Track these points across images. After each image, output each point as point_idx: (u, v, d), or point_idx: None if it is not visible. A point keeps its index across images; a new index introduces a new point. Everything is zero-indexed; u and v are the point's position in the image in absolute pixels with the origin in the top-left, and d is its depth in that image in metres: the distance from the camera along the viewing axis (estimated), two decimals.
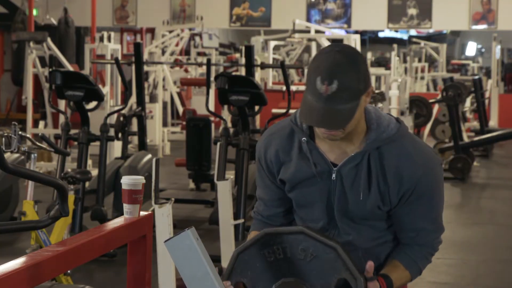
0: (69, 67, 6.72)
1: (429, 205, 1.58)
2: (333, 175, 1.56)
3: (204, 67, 9.83)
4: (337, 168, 1.56)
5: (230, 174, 4.81)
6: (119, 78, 6.87)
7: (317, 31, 8.60)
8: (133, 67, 5.88)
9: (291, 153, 1.59)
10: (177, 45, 10.18)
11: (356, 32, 10.64)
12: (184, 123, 7.58)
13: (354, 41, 7.71)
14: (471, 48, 20.35)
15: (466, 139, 7.76)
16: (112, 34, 7.45)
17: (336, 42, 9.17)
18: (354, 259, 1.48)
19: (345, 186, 1.57)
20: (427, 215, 1.58)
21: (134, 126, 6.65)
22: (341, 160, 1.56)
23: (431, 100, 8.40)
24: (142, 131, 5.42)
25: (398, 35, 19.59)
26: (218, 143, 4.19)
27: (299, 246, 1.47)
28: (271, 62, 8.40)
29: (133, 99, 6.74)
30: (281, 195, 1.65)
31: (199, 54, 12.49)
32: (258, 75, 8.17)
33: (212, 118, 5.86)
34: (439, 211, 1.60)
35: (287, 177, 1.59)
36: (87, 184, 4.45)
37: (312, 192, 1.59)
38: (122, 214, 1.63)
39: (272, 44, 8.76)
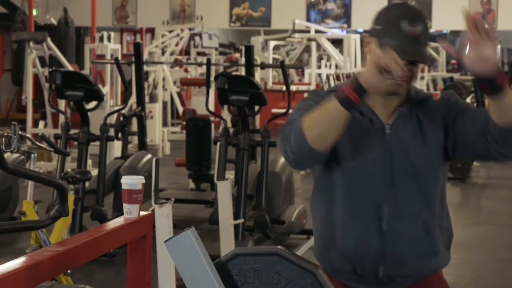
0: (69, 67, 6.72)
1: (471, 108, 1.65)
2: (387, 130, 1.61)
3: (204, 67, 9.80)
4: (390, 122, 1.62)
5: (230, 174, 4.80)
6: (119, 78, 6.86)
7: (317, 31, 8.59)
8: (133, 67, 5.88)
9: None
10: (177, 45, 10.17)
11: (356, 32, 10.63)
12: (184, 123, 7.57)
13: (354, 41, 7.70)
14: None
15: None
16: (112, 34, 7.44)
17: (336, 42, 9.06)
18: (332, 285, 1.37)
19: (403, 137, 1.61)
20: (478, 113, 1.62)
21: (134, 126, 6.64)
22: (390, 117, 1.63)
23: None
24: (142, 131, 5.42)
25: None
26: (218, 143, 4.19)
27: (273, 269, 1.35)
28: (271, 62, 8.39)
29: (133, 99, 6.74)
30: None
31: (199, 54, 12.48)
32: (258, 75, 8.16)
33: (212, 118, 5.85)
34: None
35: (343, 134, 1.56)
36: (87, 184, 4.44)
37: (368, 148, 1.60)
38: (122, 214, 1.63)
39: (272, 44, 8.75)
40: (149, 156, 4.88)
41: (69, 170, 3.56)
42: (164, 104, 9.73)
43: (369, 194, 1.60)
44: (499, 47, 10.42)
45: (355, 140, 1.60)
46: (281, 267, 1.35)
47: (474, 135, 1.58)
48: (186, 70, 10.73)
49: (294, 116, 1.61)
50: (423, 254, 1.64)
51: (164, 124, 9.50)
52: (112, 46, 7.46)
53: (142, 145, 5.39)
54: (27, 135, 3.09)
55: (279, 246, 1.37)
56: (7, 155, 4.19)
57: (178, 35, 10.00)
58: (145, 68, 8.33)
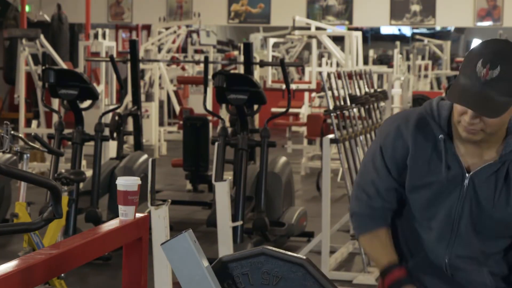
0: (63, 65, 6.68)
1: None
2: (466, 181, 1.49)
3: (202, 65, 9.75)
4: (471, 173, 1.49)
5: (229, 175, 4.76)
6: (114, 76, 6.79)
7: (317, 28, 8.52)
8: (129, 65, 5.82)
9: (423, 149, 1.51)
10: (173, 42, 10.12)
11: (356, 29, 10.57)
12: (181, 122, 7.51)
13: (356, 38, 7.63)
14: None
15: None
16: (107, 31, 7.36)
17: (337, 40, 8.92)
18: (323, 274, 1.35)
19: (479, 195, 1.49)
20: None
21: (130, 126, 6.58)
22: (477, 167, 1.49)
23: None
24: (138, 131, 5.37)
25: (397, 30, 19.57)
26: (216, 143, 4.16)
27: (261, 270, 1.34)
28: (270, 59, 8.32)
29: (128, 98, 6.67)
30: (394, 186, 1.56)
31: (196, 51, 12.42)
32: (257, 73, 8.10)
33: (210, 118, 5.83)
34: None
35: (414, 174, 1.51)
36: (81, 185, 4.45)
37: (438, 196, 1.51)
38: (117, 216, 1.61)
39: (272, 41, 8.69)
40: (145, 156, 4.86)
41: (63, 171, 3.58)
42: (161, 103, 9.67)
43: (433, 228, 1.54)
44: None
45: (429, 181, 1.51)
46: (269, 266, 1.34)
47: None
48: (183, 68, 10.67)
49: (367, 174, 1.58)
50: None
51: (161, 123, 9.46)
52: (107, 44, 7.38)
53: (138, 145, 5.34)
54: (20, 135, 3.07)
55: (264, 247, 1.35)
56: None
57: (175, 32, 9.95)
58: (141, 66, 8.23)
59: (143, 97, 8.29)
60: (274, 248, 1.34)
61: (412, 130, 1.52)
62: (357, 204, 1.59)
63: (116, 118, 4.96)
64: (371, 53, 13.53)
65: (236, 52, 11.35)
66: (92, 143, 4.43)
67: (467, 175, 1.49)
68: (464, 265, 1.54)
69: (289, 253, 1.35)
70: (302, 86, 8.40)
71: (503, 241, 1.55)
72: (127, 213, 1.59)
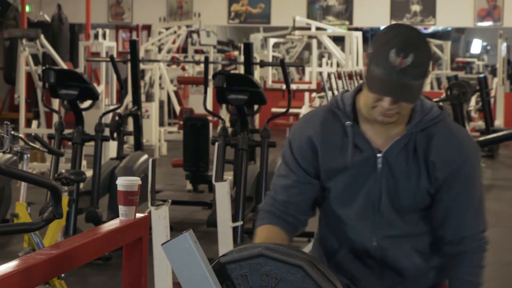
0: (63, 65, 6.67)
1: (472, 194, 1.53)
2: (379, 160, 1.53)
3: (202, 65, 9.74)
4: (382, 153, 1.53)
5: (229, 175, 4.75)
6: (114, 77, 6.78)
7: (318, 28, 8.52)
8: (129, 65, 5.81)
9: (332, 138, 1.56)
10: (174, 42, 10.11)
11: (356, 29, 10.56)
12: (181, 122, 7.50)
13: (356, 38, 7.62)
14: (476, 46, 20.30)
15: None
16: (107, 31, 7.35)
17: (338, 40, 8.95)
18: (326, 273, 1.34)
19: (394, 172, 1.52)
20: (470, 205, 1.53)
21: (130, 126, 6.57)
22: (386, 145, 1.53)
23: (435, 99, 8.19)
24: (138, 131, 5.37)
25: None
26: (216, 143, 4.15)
27: (260, 271, 1.33)
28: (270, 60, 8.32)
29: (128, 98, 6.66)
30: (306, 180, 1.58)
31: (196, 51, 12.41)
32: (257, 73, 8.09)
33: (210, 118, 5.82)
34: (482, 207, 1.55)
35: (326, 164, 1.55)
36: (81, 185, 4.43)
37: (355, 180, 1.54)
38: (117, 216, 1.60)
39: (272, 41, 8.70)
40: (145, 156, 4.85)
41: (63, 171, 3.57)
42: (161, 103, 9.66)
43: (355, 215, 1.56)
44: (504, 44, 10.33)
45: (343, 167, 1.54)
46: (268, 268, 1.32)
47: (448, 213, 1.52)
48: (183, 68, 10.66)
49: (278, 178, 1.62)
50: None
51: (161, 123, 9.45)
52: (107, 44, 7.37)
53: (138, 145, 5.33)
54: (20, 135, 3.07)
55: (263, 247, 1.32)
56: None
57: (175, 32, 9.94)
58: (141, 66, 8.23)
59: (143, 97, 8.28)
60: (274, 246, 1.33)
61: (320, 121, 1.58)
62: (264, 200, 1.63)
63: (116, 118, 4.95)
64: None
65: (236, 52, 11.34)
66: (92, 143, 4.42)
67: (378, 155, 1.53)
68: (392, 245, 1.56)
69: (289, 252, 1.33)
70: (302, 86, 8.39)
71: (424, 220, 1.57)
72: (127, 213, 1.58)
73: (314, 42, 8.69)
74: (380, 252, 1.57)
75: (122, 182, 1.58)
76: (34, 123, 6.99)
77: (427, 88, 13.08)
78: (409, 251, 1.57)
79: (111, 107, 5.50)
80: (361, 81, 4.60)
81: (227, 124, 5.24)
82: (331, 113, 1.57)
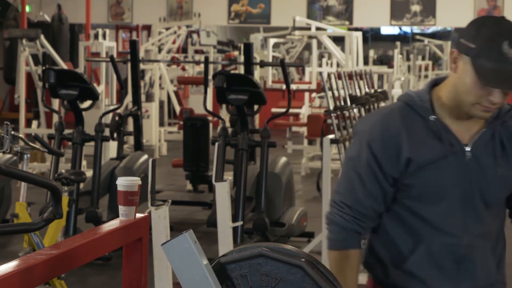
0: (63, 65, 6.66)
1: None
2: (468, 154, 1.52)
3: (202, 65, 9.74)
4: (470, 146, 1.52)
5: (229, 175, 4.74)
6: (115, 77, 6.78)
7: (318, 28, 8.51)
8: (129, 65, 5.80)
9: (416, 133, 1.52)
10: (174, 42, 10.10)
11: (356, 29, 10.55)
12: (181, 122, 7.50)
13: (356, 38, 7.62)
14: None
15: None
16: (107, 31, 7.35)
17: (338, 40, 8.92)
18: (326, 273, 1.32)
19: (482, 164, 1.52)
20: None
21: (130, 126, 6.56)
22: (471, 139, 1.53)
23: None
24: (138, 131, 5.36)
25: (398, 29, 19.52)
26: (216, 143, 4.15)
27: (260, 271, 1.31)
28: (270, 60, 8.31)
29: (128, 98, 6.66)
30: (385, 185, 1.53)
31: (196, 52, 12.41)
32: (257, 73, 8.08)
33: (210, 118, 5.81)
34: None
35: (416, 156, 1.50)
36: (81, 185, 4.42)
37: (445, 175, 1.51)
38: (117, 216, 1.60)
39: (272, 41, 8.69)
40: (145, 156, 4.85)
41: (63, 171, 3.56)
42: (161, 103, 9.66)
43: (444, 211, 1.53)
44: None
45: (433, 160, 1.51)
46: (268, 268, 1.31)
47: None
48: (183, 69, 10.65)
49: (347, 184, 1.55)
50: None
51: (161, 124, 9.44)
52: (107, 44, 7.37)
53: (138, 146, 5.33)
54: (20, 135, 3.07)
55: (263, 247, 1.31)
56: None
57: (175, 32, 9.93)
58: (141, 66, 8.23)
59: (143, 98, 8.28)
60: (274, 246, 1.32)
61: (399, 117, 1.54)
62: (335, 211, 1.57)
63: (116, 118, 4.95)
64: (372, 53, 13.50)
65: (236, 53, 11.34)
66: (92, 143, 4.42)
67: (467, 148, 1.52)
68: (480, 243, 1.54)
69: (290, 252, 1.32)
70: (302, 87, 8.39)
71: (503, 217, 1.58)
72: (127, 213, 1.57)
73: (314, 42, 8.68)
74: (469, 251, 1.53)
75: (122, 182, 1.57)
76: (34, 123, 6.99)
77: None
78: (489, 253, 1.55)
79: (111, 107, 5.50)
80: (360, 82, 4.59)
81: (227, 124, 5.23)
82: (408, 109, 1.54)
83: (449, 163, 1.51)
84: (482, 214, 1.53)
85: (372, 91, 4.72)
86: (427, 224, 1.53)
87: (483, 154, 1.52)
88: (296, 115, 8.83)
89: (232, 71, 7.44)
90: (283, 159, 4.77)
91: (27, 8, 8.66)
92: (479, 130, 1.53)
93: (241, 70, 7.22)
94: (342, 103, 4.10)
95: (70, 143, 4.41)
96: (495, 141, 1.53)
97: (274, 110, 8.12)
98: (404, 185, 1.53)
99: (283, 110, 4.85)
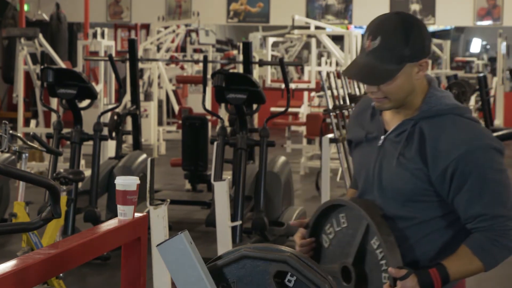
0: (62, 64, 6.66)
1: (481, 188, 1.46)
2: (380, 142, 1.55)
3: (201, 64, 9.73)
4: (385, 135, 1.56)
5: (228, 175, 4.74)
6: (113, 76, 6.76)
7: (317, 27, 8.50)
8: (127, 64, 5.79)
9: (364, 117, 1.62)
10: (172, 41, 10.09)
11: (355, 28, 10.55)
12: (180, 122, 7.49)
13: (356, 38, 7.61)
14: (476, 45, 20.30)
15: None
16: (106, 30, 7.35)
17: (337, 39, 8.92)
18: (309, 263, 1.33)
19: (388, 152, 1.54)
20: (481, 201, 1.46)
21: (129, 125, 6.55)
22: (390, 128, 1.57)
23: None
24: (136, 130, 5.35)
25: None
26: (215, 143, 4.13)
27: (250, 272, 1.33)
28: (269, 59, 8.31)
29: (127, 97, 6.64)
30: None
31: (195, 51, 12.40)
32: (256, 72, 8.07)
33: (209, 117, 5.81)
34: (500, 198, 1.47)
35: (350, 137, 1.65)
36: (80, 184, 4.42)
37: (362, 156, 1.59)
38: (116, 215, 1.60)
39: (271, 40, 8.68)
40: (144, 156, 4.84)
41: (62, 170, 3.56)
42: (160, 102, 9.65)
43: (359, 188, 1.61)
44: (504, 44, 10.32)
45: (358, 141, 1.61)
46: (258, 268, 1.31)
47: (460, 209, 1.49)
48: (182, 68, 10.64)
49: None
50: None
51: (160, 123, 9.43)
52: (106, 43, 7.36)
53: (137, 145, 5.32)
54: (18, 134, 3.05)
55: (243, 248, 1.29)
56: None
57: (174, 31, 9.92)
58: (140, 65, 8.24)
59: (142, 97, 8.25)
60: (255, 245, 1.33)
61: (362, 106, 1.64)
62: None
63: (115, 117, 4.94)
64: None
65: (235, 51, 11.34)
66: (90, 142, 4.41)
67: (382, 136, 1.56)
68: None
69: (272, 246, 1.33)
70: (301, 86, 8.38)
71: (407, 209, 1.52)
72: (126, 212, 1.58)
73: (313, 41, 8.67)
74: None
75: (120, 182, 1.58)
76: (33, 122, 6.98)
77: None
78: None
79: (110, 106, 5.50)
80: None
81: (226, 123, 5.23)
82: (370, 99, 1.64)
83: (366, 146, 1.58)
84: (378, 200, 1.54)
85: None
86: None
87: (393, 143, 1.53)
88: (295, 114, 8.83)
89: (231, 70, 7.43)
90: (282, 159, 4.77)
91: (26, 7, 8.64)
92: (403, 120, 1.55)
93: (240, 69, 7.21)
94: (341, 102, 4.10)
95: (68, 142, 4.40)
96: (412, 133, 1.51)
97: (273, 109, 8.11)
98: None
99: (282, 109, 4.85)
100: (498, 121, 9.52)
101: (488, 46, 20.06)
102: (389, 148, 1.53)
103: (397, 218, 1.51)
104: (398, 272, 1.41)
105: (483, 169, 1.46)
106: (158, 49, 9.74)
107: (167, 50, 10.09)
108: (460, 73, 12.65)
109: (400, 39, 1.45)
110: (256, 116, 7.70)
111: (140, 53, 8.50)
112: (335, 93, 4.04)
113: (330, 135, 3.90)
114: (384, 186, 1.52)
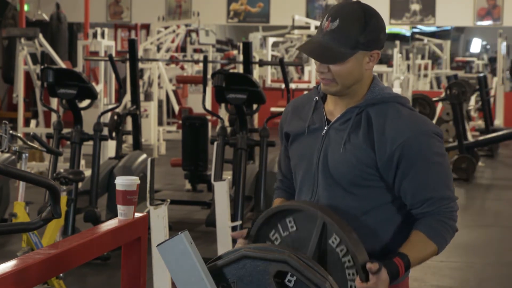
0: (62, 64, 6.66)
1: (427, 173, 1.51)
2: (323, 132, 1.57)
3: (201, 65, 9.73)
4: (329, 124, 1.58)
5: (228, 175, 4.74)
6: (113, 76, 6.76)
7: (317, 27, 8.49)
8: (128, 64, 5.79)
9: (303, 110, 1.63)
10: (172, 41, 10.09)
11: None
12: (180, 122, 7.50)
13: None
14: (476, 45, 20.30)
15: (470, 139, 7.68)
16: (106, 30, 7.34)
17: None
18: (308, 262, 1.35)
19: (331, 141, 1.56)
20: (427, 184, 1.51)
21: (129, 125, 6.55)
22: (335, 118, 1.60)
23: (434, 99, 8.29)
24: (136, 130, 5.35)
25: (401, 30, 19.50)
26: (215, 143, 4.13)
27: (250, 271, 1.34)
28: (269, 59, 8.32)
29: (127, 97, 6.65)
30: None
31: (195, 51, 12.40)
32: (256, 72, 8.08)
33: (209, 117, 5.81)
34: (444, 180, 1.53)
35: (289, 130, 1.64)
36: (80, 184, 4.42)
37: (303, 148, 1.60)
38: (116, 215, 1.61)
39: (271, 40, 8.69)
40: (144, 156, 4.84)
41: (62, 170, 3.57)
42: (160, 102, 9.65)
43: (301, 182, 1.61)
44: (504, 43, 10.32)
45: (297, 133, 1.62)
46: (258, 268, 1.31)
47: (406, 195, 1.52)
48: (182, 68, 10.64)
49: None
50: None
51: (160, 123, 9.44)
52: (106, 43, 7.36)
53: (137, 145, 5.32)
54: (18, 135, 3.05)
55: (243, 249, 1.29)
56: None
57: (174, 31, 9.92)
58: (140, 65, 8.24)
59: (142, 97, 8.26)
60: (255, 245, 1.33)
61: (298, 101, 1.66)
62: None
63: (115, 117, 4.94)
64: None
65: (235, 52, 11.34)
66: (91, 142, 4.41)
67: (325, 127, 1.57)
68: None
69: (272, 246, 1.33)
70: (301, 86, 8.38)
71: (366, 197, 1.54)
72: (126, 212, 1.59)
73: None
74: None
75: (120, 182, 1.58)
76: (33, 122, 6.98)
77: (426, 87, 13.06)
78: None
79: (110, 107, 5.51)
80: None
81: (226, 123, 5.23)
82: (312, 93, 1.65)
83: (308, 138, 1.59)
84: (323, 190, 1.55)
85: None
86: (299, 194, 1.63)
87: (338, 132, 1.55)
88: None
89: (231, 70, 7.43)
90: None
91: (26, 7, 8.64)
92: (347, 108, 1.56)
93: (240, 69, 7.21)
94: None
95: (68, 142, 4.41)
96: (359, 120, 1.53)
97: (273, 109, 8.12)
98: (289, 157, 1.66)
99: (282, 109, 4.84)
100: (498, 121, 9.52)
101: (488, 46, 20.06)
102: (334, 136, 1.54)
103: (346, 206, 1.53)
104: (374, 266, 1.42)
105: (427, 152, 1.50)
106: (158, 49, 9.74)
107: (167, 50, 10.09)
108: (460, 73, 12.65)
109: (358, 25, 1.49)
110: (256, 116, 7.70)
111: (140, 53, 8.51)
112: None
113: None
114: (330, 173, 1.54)
